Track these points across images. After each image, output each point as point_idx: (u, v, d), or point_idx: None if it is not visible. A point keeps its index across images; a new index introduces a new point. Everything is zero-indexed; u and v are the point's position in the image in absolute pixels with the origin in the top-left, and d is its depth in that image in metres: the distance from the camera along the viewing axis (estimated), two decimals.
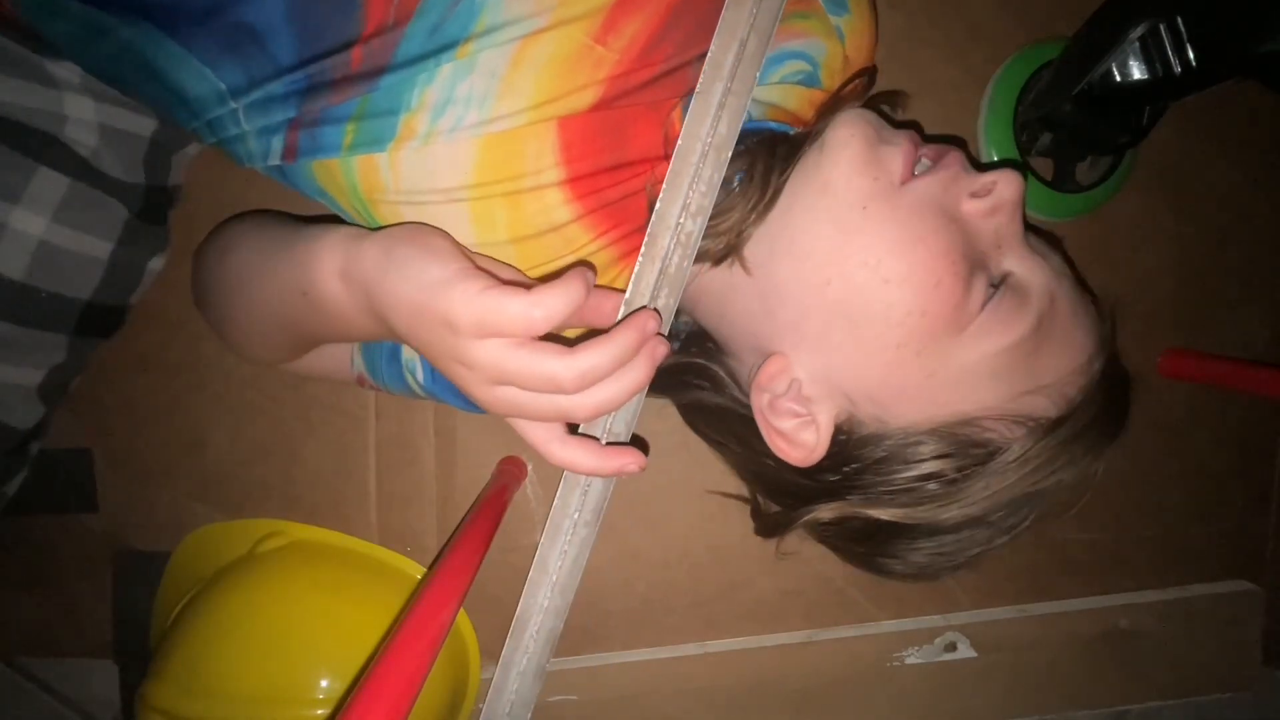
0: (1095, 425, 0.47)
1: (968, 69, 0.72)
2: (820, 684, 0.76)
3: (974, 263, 0.45)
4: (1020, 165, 0.49)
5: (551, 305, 0.37)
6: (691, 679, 0.74)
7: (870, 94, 0.57)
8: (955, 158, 0.47)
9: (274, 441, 0.71)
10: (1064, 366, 0.47)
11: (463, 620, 0.70)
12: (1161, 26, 0.54)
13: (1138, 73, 0.56)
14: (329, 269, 0.43)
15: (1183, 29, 0.54)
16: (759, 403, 0.49)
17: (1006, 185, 0.45)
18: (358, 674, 0.59)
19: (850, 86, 0.55)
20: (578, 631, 0.74)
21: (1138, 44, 0.55)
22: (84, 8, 0.44)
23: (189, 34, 0.43)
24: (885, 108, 0.56)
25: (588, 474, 0.44)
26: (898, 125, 0.49)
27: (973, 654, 0.77)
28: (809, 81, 0.52)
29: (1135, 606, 0.79)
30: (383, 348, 0.56)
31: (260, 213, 0.58)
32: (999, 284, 0.46)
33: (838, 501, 0.49)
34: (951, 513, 0.48)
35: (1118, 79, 0.57)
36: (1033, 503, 0.48)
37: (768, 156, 0.48)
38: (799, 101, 0.52)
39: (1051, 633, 0.78)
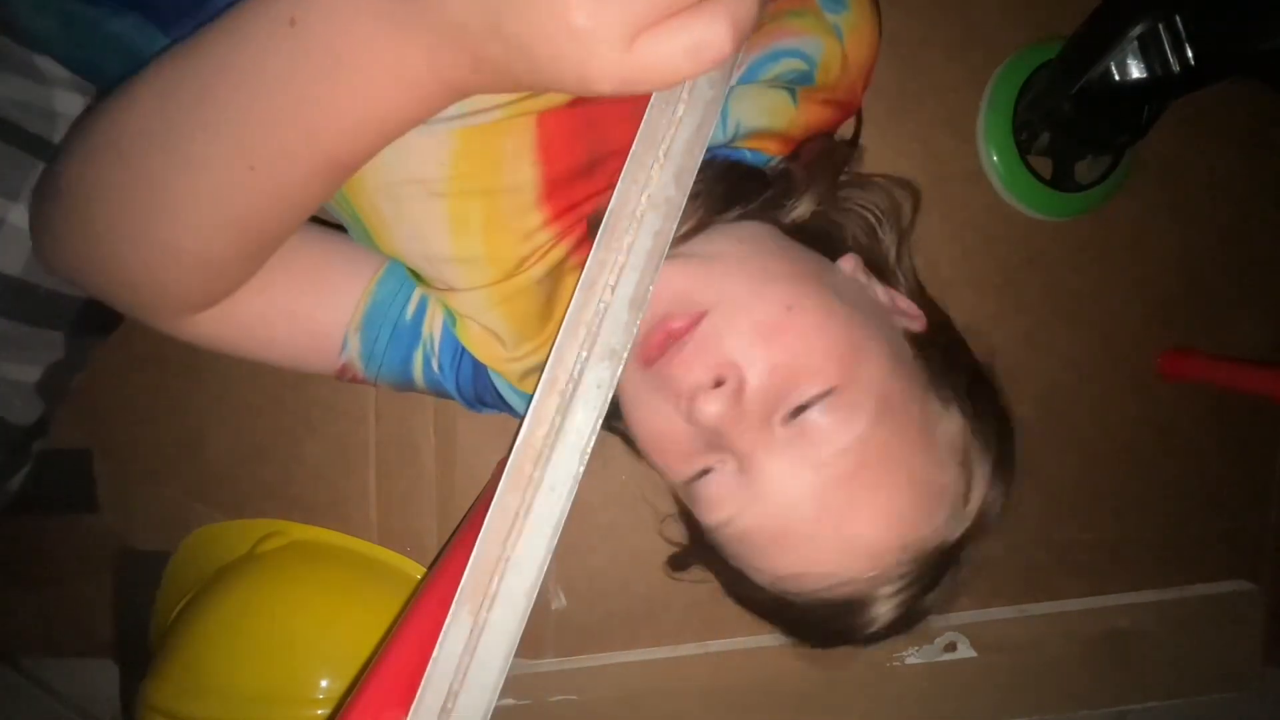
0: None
1: (968, 69, 0.72)
2: (820, 684, 0.76)
3: (695, 451, 0.46)
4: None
5: None
6: (691, 679, 0.74)
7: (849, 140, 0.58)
8: (684, 362, 0.44)
9: (274, 441, 0.71)
10: (764, 570, 0.49)
11: None
12: (1160, 25, 0.54)
13: (1137, 72, 0.56)
14: None
15: (1181, 28, 0.54)
16: None
17: (701, 406, 0.44)
18: (358, 674, 0.59)
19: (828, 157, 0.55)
20: (578, 631, 0.74)
21: (1136, 43, 0.55)
22: (69, 0, 0.43)
23: (179, 26, 0.42)
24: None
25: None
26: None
27: (973, 654, 0.77)
28: (804, 80, 0.51)
29: (1135, 606, 0.79)
30: (391, 321, 0.51)
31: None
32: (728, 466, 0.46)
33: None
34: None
35: (1117, 78, 0.57)
36: None
37: (720, 206, 0.49)
38: (787, 121, 0.51)
39: (1051, 633, 0.78)
